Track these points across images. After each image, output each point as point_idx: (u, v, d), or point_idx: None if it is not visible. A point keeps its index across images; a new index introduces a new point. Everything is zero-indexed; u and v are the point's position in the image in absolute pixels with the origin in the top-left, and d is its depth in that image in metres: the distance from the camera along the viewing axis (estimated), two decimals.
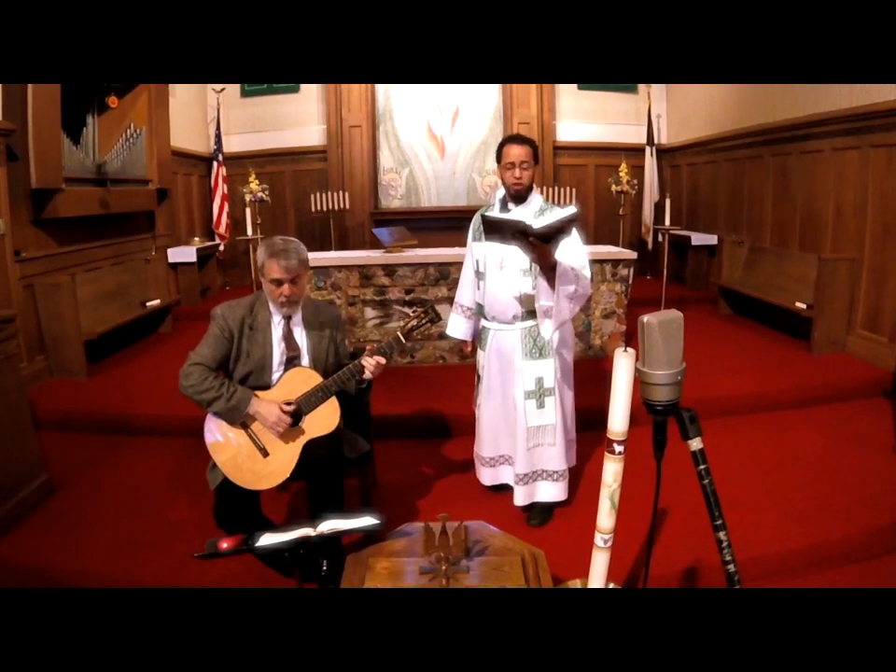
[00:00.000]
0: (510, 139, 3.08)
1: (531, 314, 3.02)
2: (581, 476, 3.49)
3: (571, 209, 2.63)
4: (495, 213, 3.07)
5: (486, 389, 3.23)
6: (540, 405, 3.08)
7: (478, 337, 3.35)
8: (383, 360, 2.63)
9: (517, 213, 2.99)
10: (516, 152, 2.98)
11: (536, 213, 3.01)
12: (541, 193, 3.23)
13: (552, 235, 2.61)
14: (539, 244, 2.62)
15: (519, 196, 3.05)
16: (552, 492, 3.17)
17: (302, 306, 2.76)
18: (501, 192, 3.15)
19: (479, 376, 3.30)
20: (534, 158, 3.02)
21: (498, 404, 3.21)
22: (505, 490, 3.32)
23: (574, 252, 2.83)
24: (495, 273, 3.06)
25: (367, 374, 2.63)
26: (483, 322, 3.24)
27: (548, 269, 2.75)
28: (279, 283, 2.59)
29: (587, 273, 2.86)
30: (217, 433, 2.60)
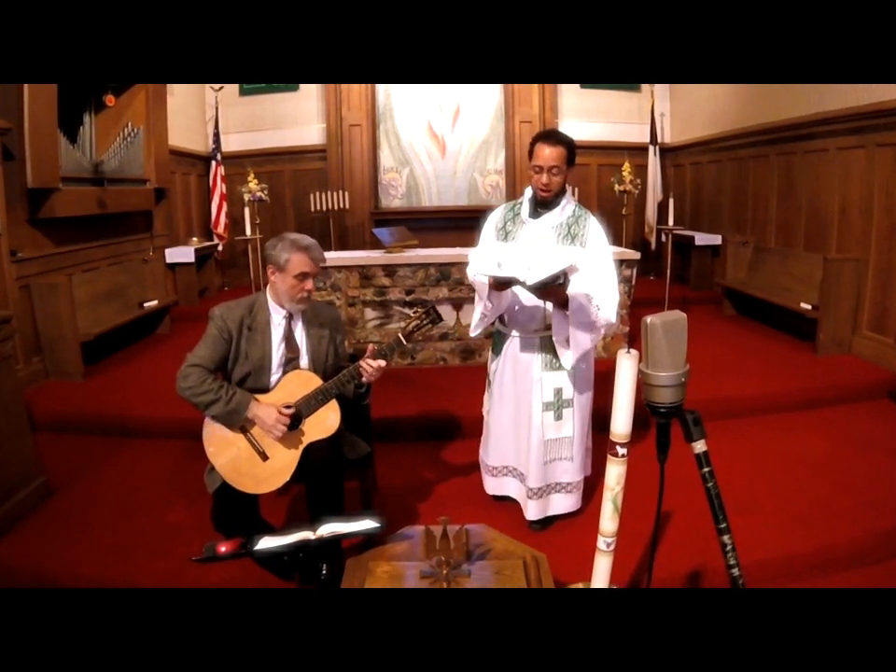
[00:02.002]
0: (542, 137, 2.82)
1: None
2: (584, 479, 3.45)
3: (567, 259, 2.51)
4: (524, 213, 2.94)
5: (498, 398, 3.10)
6: (558, 417, 2.96)
7: (492, 341, 3.17)
8: (382, 363, 2.58)
9: (546, 219, 2.88)
10: (547, 154, 2.74)
11: (569, 218, 2.87)
12: (573, 195, 3.05)
13: (551, 283, 2.52)
14: (544, 291, 2.57)
15: (546, 202, 2.86)
16: (565, 504, 3.09)
17: None
18: (531, 191, 2.93)
19: (490, 381, 3.18)
20: (568, 160, 2.77)
21: (510, 414, 3.07)
22: (508, 498, 3.26)
23: (596, 278, 2.67)
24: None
25: (365, 378, 2.60)
26: (499, 327, 3.07)
27: (560, 306, 2.65)
28: (305, 276, 2.58)
29: (611, 299, 2.70)
30: (215, 436, 2.57)
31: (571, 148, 2.80)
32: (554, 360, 2.90)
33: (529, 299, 2.86)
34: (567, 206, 2.89)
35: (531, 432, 2.97)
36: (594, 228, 2.85)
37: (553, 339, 2.80)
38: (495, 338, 3.14)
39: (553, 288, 2.56)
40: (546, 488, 3.03)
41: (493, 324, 3.09)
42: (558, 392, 2.94)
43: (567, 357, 2.79)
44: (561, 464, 3.01)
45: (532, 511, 3.05)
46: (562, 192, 2.87)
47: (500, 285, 2.68)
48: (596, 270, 2.69)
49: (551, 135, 2.84)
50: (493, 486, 3.26)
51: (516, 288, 2.82)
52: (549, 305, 2.82)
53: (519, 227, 2.94)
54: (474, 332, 3.02)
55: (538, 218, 2.90)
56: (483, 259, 2.81)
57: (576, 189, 7.67)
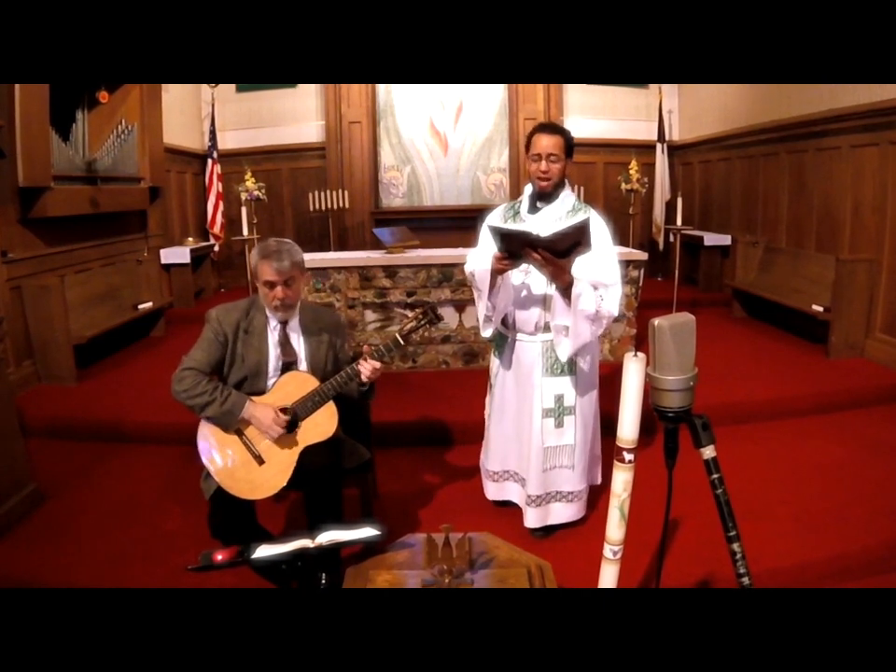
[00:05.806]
0: (540, 128, 2.85)
1: None
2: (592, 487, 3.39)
3: (581, 217, 2.50)
4: (523, 210, 2.94)
5: (499, 402, 3.09)
6: (559, 424, 2.93)
7: (494, 344, 3.13)
8: (378, 364, 2.56)
9: (545, 212, 2.85)
10: (545, 143, 2.76)
11: (568, 212, 2.84)
12: (574, 191, 3.05)
13: (562, 247, 2.47)
14: (552, 258, 2.49)
15: (545, 193, 2.85)
16: (566, 513, 3.05)
17: (301, 311, 2.71)
18: (530, 187, 2.93)
19: (491, 384, 3.16)
20: (565, 150, 2.79)
21: (511, 419, 3.06)
22: (510, 504, 3.22)
23: (600, 267, 2.65)
24: (519, 276, 2.84)
25: (364, 378, 2.56)
26: (502, 329, 3.03)
27: (564, 287, 2.63)
28: (271, 285, 2.56)
29: (614, 291, 2.68)
30: (210, 441, 2.56)
31: (569, 139, 2.82)
32: (556, 366, 2.88)
33: (530, 296, 2.84)
34: (567, 199, 2.88)
35: (531, 438, 2.94)
36: (595, 221, 2.76)
37: (551, 324, 2.76)
38: (497, 340, 3.09)
39: (562, 264, 2.52)
40: (546, 496, 3.00)
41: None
42: (559, 399, 2.91)
43: (564, 347, 2.75)
44: (562, 472, 2.98)
45: (531, 519, 3.02)
46: (561, 185, 2.87)
47: (505, 259, 2.61)
48: (600, 262, 2.66)
49: (548, 126, 2.88)
50: (494, 491, 3.23)
51: (518, 281, 2.82)
52: (548, 297, 2.79)
53: (519, 225, 2.88)
54: (485, 332, 2.99)
55: (536, 213, 2.88)
56: (482, 254, 2.82)
57: (582, 189, 7.64)
